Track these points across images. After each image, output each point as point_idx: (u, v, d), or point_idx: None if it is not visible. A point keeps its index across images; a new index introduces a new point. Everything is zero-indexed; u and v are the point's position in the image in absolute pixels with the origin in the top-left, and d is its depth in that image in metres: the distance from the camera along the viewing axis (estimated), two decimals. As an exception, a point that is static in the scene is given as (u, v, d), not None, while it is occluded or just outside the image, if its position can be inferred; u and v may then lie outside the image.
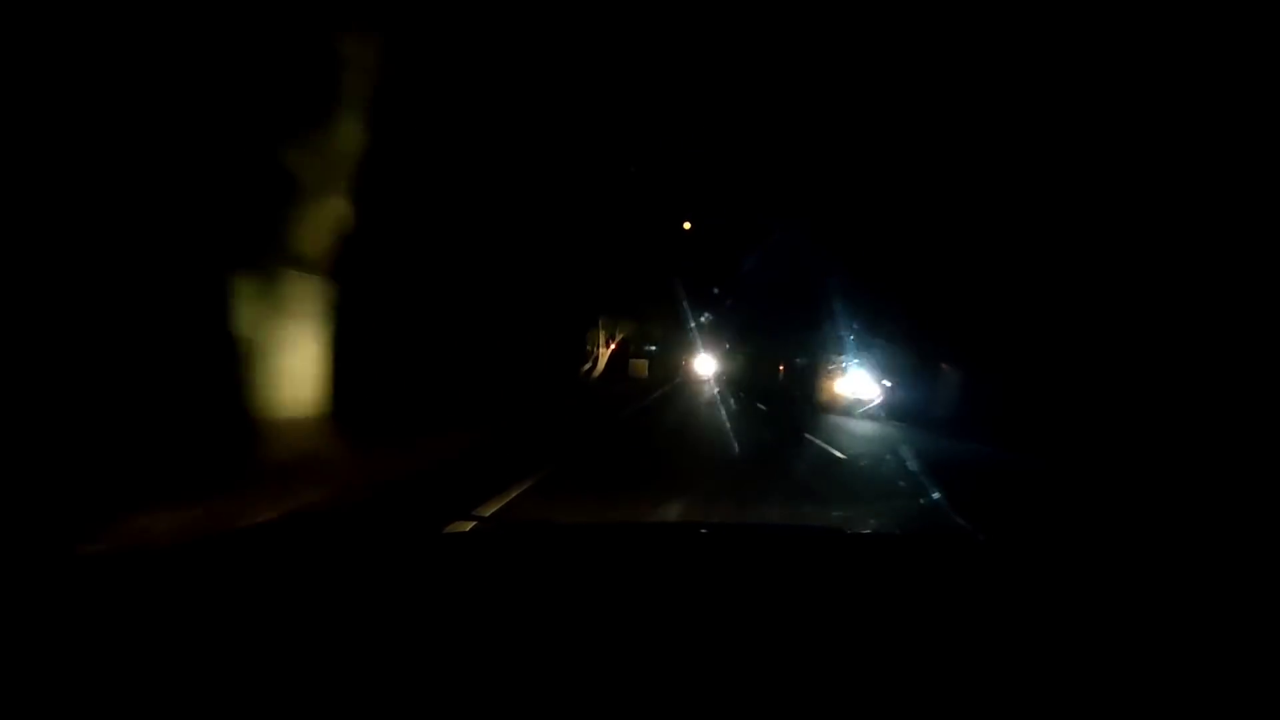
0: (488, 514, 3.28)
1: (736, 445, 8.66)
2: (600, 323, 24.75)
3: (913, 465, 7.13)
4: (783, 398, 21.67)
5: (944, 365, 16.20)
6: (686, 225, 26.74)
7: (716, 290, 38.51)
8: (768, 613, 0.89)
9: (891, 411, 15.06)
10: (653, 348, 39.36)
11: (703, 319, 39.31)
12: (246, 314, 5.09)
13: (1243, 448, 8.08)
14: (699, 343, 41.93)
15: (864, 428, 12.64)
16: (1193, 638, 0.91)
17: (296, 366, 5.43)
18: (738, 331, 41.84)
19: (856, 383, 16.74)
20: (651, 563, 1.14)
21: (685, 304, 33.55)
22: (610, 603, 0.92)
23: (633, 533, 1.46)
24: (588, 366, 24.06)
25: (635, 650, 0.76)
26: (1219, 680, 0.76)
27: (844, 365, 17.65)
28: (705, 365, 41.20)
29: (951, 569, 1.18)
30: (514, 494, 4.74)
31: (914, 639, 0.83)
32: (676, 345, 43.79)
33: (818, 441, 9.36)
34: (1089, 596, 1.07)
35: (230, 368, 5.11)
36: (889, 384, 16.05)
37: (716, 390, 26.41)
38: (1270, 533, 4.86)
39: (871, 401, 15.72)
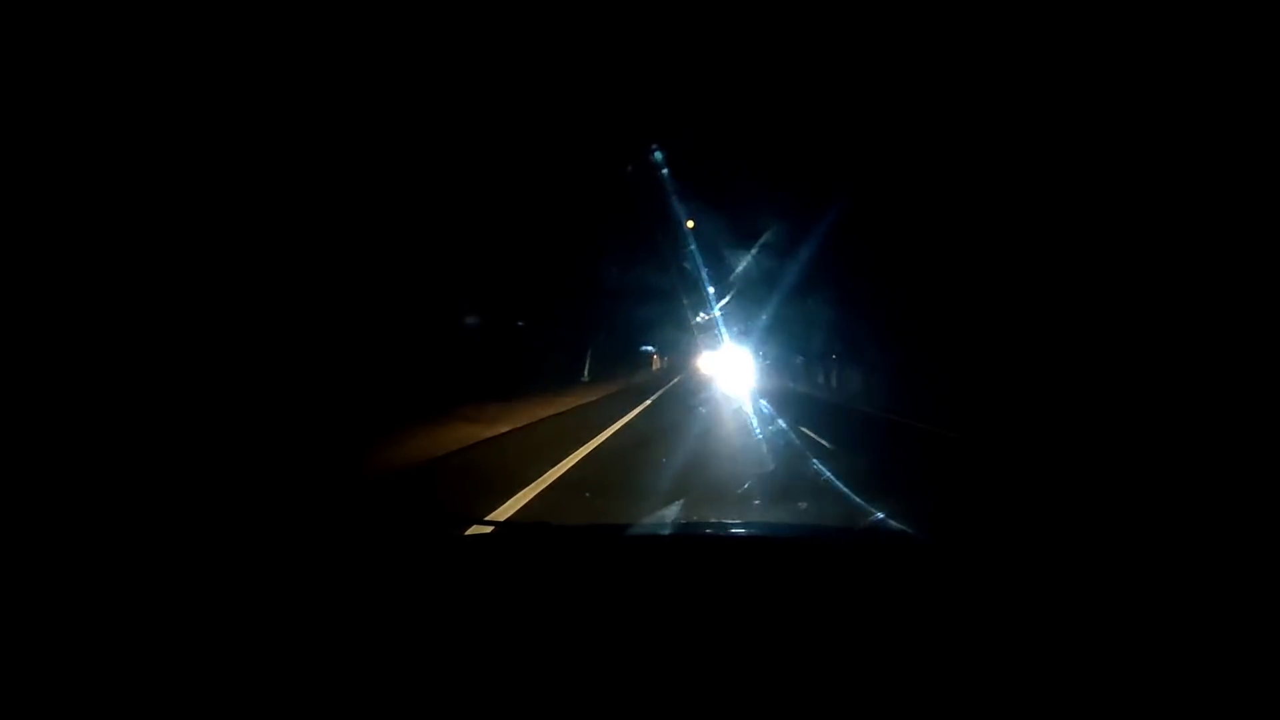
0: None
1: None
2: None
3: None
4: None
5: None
6: (690, 224, 23.35)
7: (713, 290, 35.47)
8: (761, 619, 0.90)
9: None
10: (650, 348, 37.00)
11: (699, 318, 34.05)
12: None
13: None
14: (700, 341, 35.09)
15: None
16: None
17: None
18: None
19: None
20: (657, 566, 1.18)
21: (686, 302, 28.20)
22: (619, 606, 0.94)
23: (639, 540, 1.47)
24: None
25: (648, 651, 0.79)
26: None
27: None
28: (709, 363, 33.95)
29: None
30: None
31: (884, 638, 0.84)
32: (676, 344, 39.92)
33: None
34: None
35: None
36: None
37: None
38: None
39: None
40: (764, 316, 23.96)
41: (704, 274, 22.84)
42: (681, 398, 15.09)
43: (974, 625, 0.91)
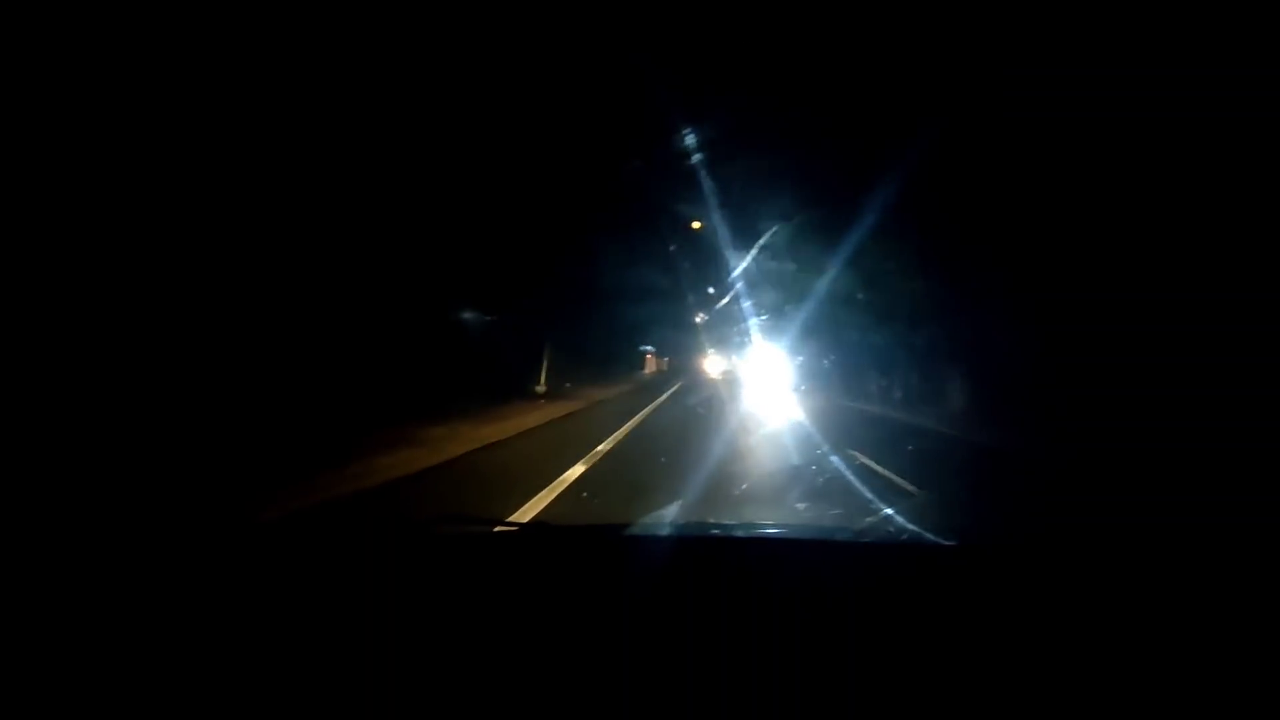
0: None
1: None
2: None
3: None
4: None
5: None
6: (696, 225, 19.10)
7: (711, 290, 30.16)
8: (762, 626, 0.89)
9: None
10: (648, 348, 34.21)
11: (699, 318, 29.46)
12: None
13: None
14: (706, 339, 31.36)
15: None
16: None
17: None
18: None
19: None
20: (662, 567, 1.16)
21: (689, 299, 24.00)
22: (644, 599, 0.96)
23: (646, 542, 1.43)
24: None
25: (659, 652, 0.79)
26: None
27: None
28: (717, 367, 30.42)
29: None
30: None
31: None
32: (679, 343, 35.70)
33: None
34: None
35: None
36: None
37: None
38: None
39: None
40: (800, 308, 15.85)
41: (729, 258, 16.83)
42: (664, 452, 6.49)
43: (988, 629, 0.90)
